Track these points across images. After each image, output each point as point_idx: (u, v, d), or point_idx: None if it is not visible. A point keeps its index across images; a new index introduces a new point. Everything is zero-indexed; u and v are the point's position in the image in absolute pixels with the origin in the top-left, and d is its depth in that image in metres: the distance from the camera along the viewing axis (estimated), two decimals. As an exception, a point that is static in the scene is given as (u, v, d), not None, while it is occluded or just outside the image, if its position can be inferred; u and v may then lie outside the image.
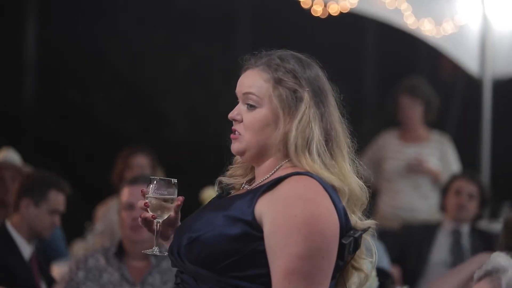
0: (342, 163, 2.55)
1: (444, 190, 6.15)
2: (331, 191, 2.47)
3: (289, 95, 2.53)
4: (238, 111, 2.59)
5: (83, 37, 11.17)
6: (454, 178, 6.18)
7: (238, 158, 2.70)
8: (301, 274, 2.36)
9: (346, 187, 2.51)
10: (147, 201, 2.60)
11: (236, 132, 2.58)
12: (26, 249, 4.46)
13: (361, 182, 2.58)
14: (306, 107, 2.52)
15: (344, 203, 2.50)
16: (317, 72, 2.60)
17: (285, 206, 2.41)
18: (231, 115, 2.60)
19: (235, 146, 2.59)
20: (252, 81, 2.57)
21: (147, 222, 2.64)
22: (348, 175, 2.54)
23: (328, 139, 2.54)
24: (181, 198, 2.63)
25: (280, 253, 2.37)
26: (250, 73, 2.59)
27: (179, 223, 2.66)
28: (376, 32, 12.56)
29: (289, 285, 2.36)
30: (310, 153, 2.50)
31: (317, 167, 2.49)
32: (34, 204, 4.48)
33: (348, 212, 2.52)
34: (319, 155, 2.51)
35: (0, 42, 11.04)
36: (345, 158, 2.57)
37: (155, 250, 2.62)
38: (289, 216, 2.39)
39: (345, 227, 2.48)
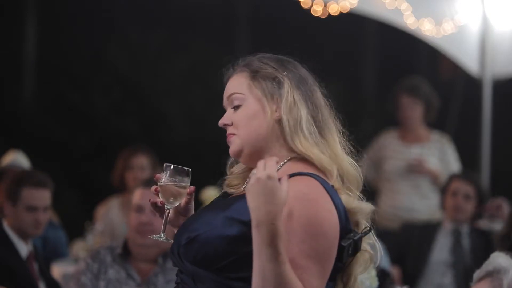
0: (332, 142, 2.58)
1: (443, 190, 6.16)
2: (332, 192, 2.48)
3: (269, 82, 2.59)
4: (227, 117, 2.64)
5: (83, 37, 11.17)
6: (451, 178, 6.17)
7: (234, 170, 2.72)
8: (311, 272, 2.37)
9: (336, 166, 2.54)
10: (157, 186, 2.61)
11: (230, 136, 2.62)
12: (24, 249, 4.47)
13: (352, 161, 2.60)
14: (288, 90, 2.57)
15: (333, 181, 2.52)
16: (296, 64, 2.65)
17: (288, 205, 2.41)
18: (221, 122, 2.64)
19: (231, 148, 2.61)
20: (233, 84, 2.64)
21: (158, 208, 2.64)
22: (340, 154, 2.57)
23: (316, 119, 2.58)
24: (192, 187, 2.63)
25: (289, 251, 2.36)
26: (231, 79, 2.67)
27: (192, 213, 2.67)
28: (376, 32, 12.56)
29: (301, 276, 2.35)
30: (302, 132, 2.54)
31: (308, 145, 2.53)
32: (12, 205, 4.50)
33: (345, 192, 2.53)
34: (310, 133, 2.55)
35: (0, 42, 11.04)
36: (335, 138, 2.59)
37: (162, 236, 2.62)
38: (293, 216, 2.40)
39: (345, 229, 2.48)
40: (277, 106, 2.57)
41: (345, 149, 2.61)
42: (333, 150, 2.56)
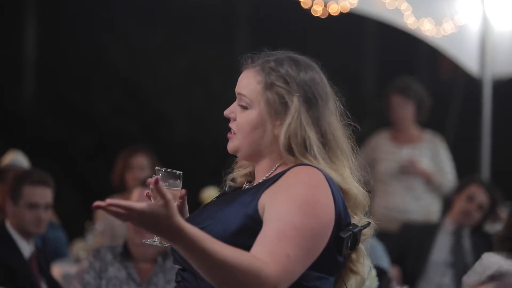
0: (341, 167, 2.57)
1: (458, 189, 6.08)
2: (332, 183, 2.50)
3: (277, 100, 2.55)
4: (233, 110, 2.63)
5: (83, 37, 11.17)
6: (471, 181, 6.06)
7: (240, 161, 2.73)
8: (291, 241, 2.37)
9: (349, 190, 2.54)
10: (149, 191, 2.61)
11: (232, 131, 2.63)
12: (26, 249, 4.47)
13: (360, 187, 2.60)
14: (296, 112, 2.53)
15: (347, 203, 2.52)
16: (314, 76, 2.60)
17: (287, 187, 2.44)
18: (226, 112, 2.64)
19: (229, 145, 2.64)
20: (247, 83, 2.61)
21: None
22: (348, 179, 2.57)
23: (325, 143, 2.56)
24: (183, 190, 2.64)
25: (277, 218, 2.39)
26: (247, 73, 2.63)
27: (187, 215, 2.67)
28: (376, 32, 12.56)
29: (279, 243, 2.36)
30: (312, 155, 2.53)
31: (322, 168, 2.51)
32: (13, 203, 4.51)
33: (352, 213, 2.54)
34: (321, 157, 2.53)
35: (0, 42, 11.04)
36: (344, 163, 2.59)
37: (156, 240, 2.62)
38: (291, 194, 2.42)
39: (344, 221, 2.50)
40: (280, 124, 2.54)
41: (352, 173, 2.59)
42: (342, 174, 2.55)
